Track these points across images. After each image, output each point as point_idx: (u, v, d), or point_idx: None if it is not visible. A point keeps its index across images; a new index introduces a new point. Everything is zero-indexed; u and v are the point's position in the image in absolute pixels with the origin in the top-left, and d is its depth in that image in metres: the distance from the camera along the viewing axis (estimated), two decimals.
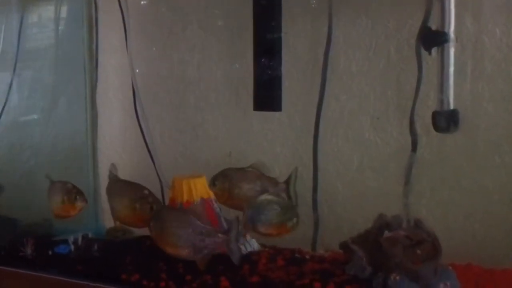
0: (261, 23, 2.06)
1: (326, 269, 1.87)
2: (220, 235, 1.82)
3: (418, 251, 1.64)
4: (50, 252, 2.15)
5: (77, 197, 2.08)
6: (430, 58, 1.96)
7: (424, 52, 1.95)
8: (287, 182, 2.06)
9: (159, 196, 2.23)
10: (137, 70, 2.39)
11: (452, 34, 1.84)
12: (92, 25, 2.46)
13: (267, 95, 2.07)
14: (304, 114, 2.27)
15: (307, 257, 2.02)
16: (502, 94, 1.96)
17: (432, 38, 1.85)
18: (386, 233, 1.71)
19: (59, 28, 2.44)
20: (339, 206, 2.24)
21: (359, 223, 2.08)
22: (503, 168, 1.96)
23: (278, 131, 2.34)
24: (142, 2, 2.48)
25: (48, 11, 2.46)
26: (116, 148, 2.67)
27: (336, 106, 2.22)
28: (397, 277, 1.64)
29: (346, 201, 2.23)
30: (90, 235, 2.18)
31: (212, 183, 2.08)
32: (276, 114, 2.33)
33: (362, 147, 2.20)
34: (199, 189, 2.07)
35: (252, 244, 2.07)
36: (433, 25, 1.89)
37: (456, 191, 2.04)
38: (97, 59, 2.51)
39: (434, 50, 1.89)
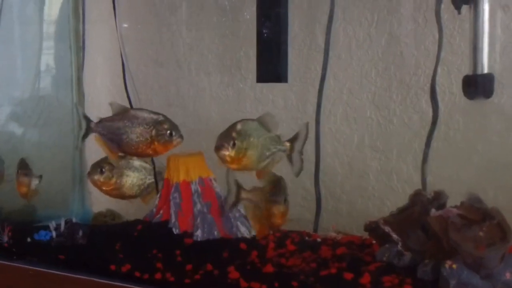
0: None
1: (349, 255, 1.16)
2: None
3: (481, 233, 0.96)
4: (28, 239, 1.38)
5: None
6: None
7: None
8: (291, 140, 1.21)
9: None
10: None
11: None
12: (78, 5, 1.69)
13: (272, 64, 1.33)
14: (301, 93, 1.60)
15: (319, 240, 1.31)
16: None
17: None
18: (434, 211, 1.03)
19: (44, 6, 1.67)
20: (338, 187, 1.56)
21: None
22: None
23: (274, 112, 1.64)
24: None
25: None
26: None
27: (335, 85, 1.55)
28: (454, 265, 0.96)
29: (345, 181, 1.55)
30: (74, 220, 1.42)
31: (232, 144, 1.14)
32: (270, 95, 1.65)
33: (363, 125, 1.53)
34: (197, 167, 1.36)
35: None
36: None
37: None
38: (83, 40, 1.74)
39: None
